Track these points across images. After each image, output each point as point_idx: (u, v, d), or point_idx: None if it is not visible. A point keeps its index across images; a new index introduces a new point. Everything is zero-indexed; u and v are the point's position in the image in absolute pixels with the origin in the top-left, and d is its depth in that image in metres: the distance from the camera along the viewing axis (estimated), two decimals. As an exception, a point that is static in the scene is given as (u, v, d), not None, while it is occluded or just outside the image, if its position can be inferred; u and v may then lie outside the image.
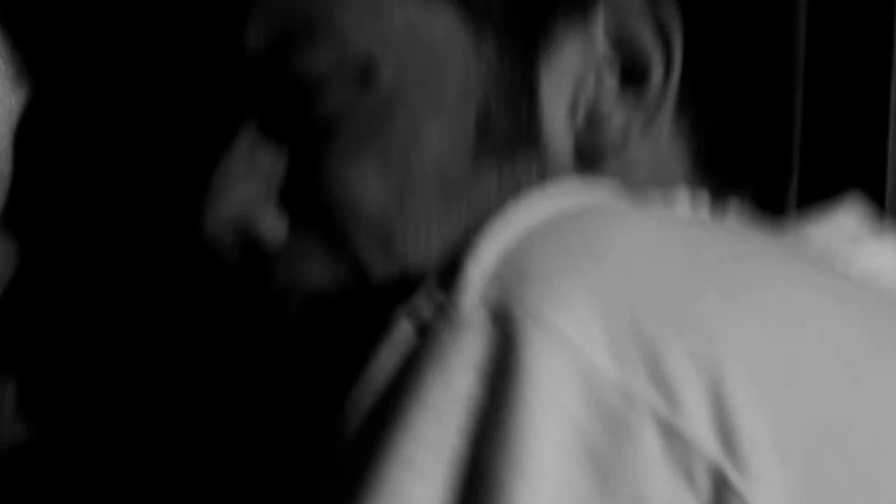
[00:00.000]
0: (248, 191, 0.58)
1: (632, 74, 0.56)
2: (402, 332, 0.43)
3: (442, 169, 0.56)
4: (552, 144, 0.56)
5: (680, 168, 0.58)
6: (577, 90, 0.56)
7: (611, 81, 0.56)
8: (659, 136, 0.57)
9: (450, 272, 0.43)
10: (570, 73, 0.56)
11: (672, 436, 0.38)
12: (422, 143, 0.55)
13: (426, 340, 0.42)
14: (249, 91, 0.59)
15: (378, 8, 0.56)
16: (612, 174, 0.56)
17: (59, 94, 0.77)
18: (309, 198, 0.57)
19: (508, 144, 0.56)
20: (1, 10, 0.75)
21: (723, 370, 0.39)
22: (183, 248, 0.63)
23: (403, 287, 0.54)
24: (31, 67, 0.75)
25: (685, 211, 0.53)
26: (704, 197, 0.58)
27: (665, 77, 0.55)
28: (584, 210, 0.45)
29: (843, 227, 0.56)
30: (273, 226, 0.58)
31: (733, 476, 0.38)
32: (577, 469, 0.39)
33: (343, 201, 0.56)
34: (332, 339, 0.58)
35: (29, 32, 0.76)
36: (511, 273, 0.42)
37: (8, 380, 0.77)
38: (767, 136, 0.61)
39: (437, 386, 0.40)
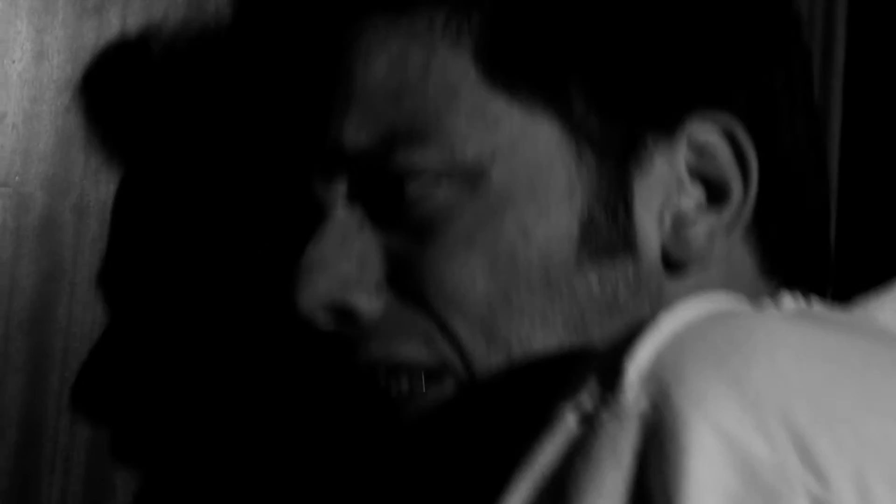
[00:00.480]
0: (343, 271, 0.61)
1: (714, 191, 0.61)
2: (566, 424, 0.46)
3: (547, 266, 0.59)
4: (644, 249, 0.60)
5: (748, 275, 0.63)
6: (665, 201, 0.61)
7: (695, 195, 0.61)
8: (732, 251, 0.62)
9: (609, 371, 0.47)
10: (660, 186, 0.61)
11: None
12: (530, 240, 0.59)
13: (593, 431, 0.45)
14: (339, 183, 0.62)
15: (486, 116, 0.59)
16: (693, 279, 0.61)
17: (161, 166, 0.81)
18: (411, 284, 0.60)
19: (607, 246, 0.60)
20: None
21: (866, 463, 0.43)
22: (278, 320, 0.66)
23: (510, 375, 0.59)
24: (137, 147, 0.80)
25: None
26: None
27: (744, 195, 0.60)
28: (721, 315, 0.49)
29: None
30: (368, 303, 0.61)
31: None
32: None
33: (450, 293, 0.59)
34: (438, 424, 0.61)
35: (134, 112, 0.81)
36: (667, 372, 0.45)
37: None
38: (815, 245, 0.66)
39: (610, 472, 0.44)
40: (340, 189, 0.62)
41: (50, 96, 0.79)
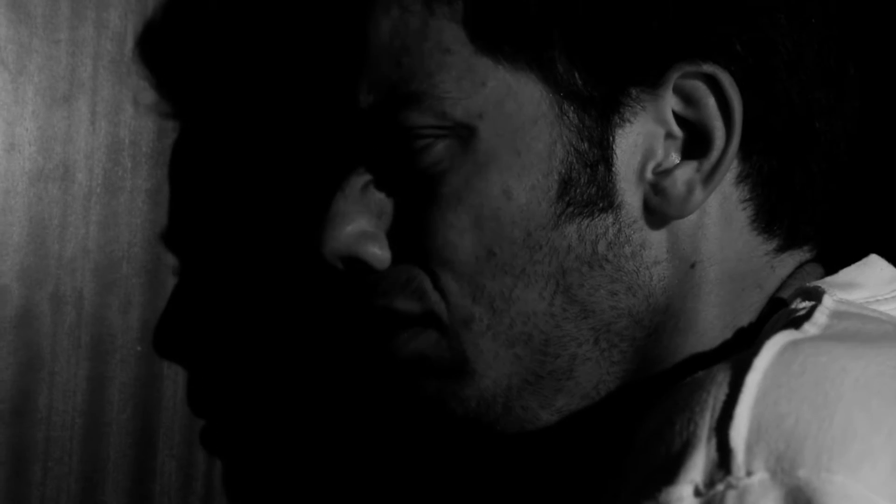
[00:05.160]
0: (360, 225, 0.66)
1: (698, 140, 0.62)
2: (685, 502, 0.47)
3: (528, 223, 0.62)
4: (626, 203, 0.62)
5: (741, 231, 0.64)
6: (648, 152, 0.62)
7: (678, 145, 0.63)
8: (724, 204, 0.63)
9: (717, 444, 0.47)
10: (644, 138, 0.62)
11: None
12: (511, 199, 0.62)
13: None
14: (361, 141, 0.66)
15: (474, 76, 0.62)
16: (681, 232, 0.63)
17: (206, 126, 0.84)
18: (409, 239, 0.65)
19: (586, 202, 0.62)
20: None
21: None
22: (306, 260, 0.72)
23: (495, 328, 0.63)
24: (177, 108, 0.83)
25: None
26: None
27: (726, 144, 0.61)
28: (795, 357, 0.49)
29: None
30: (379, 254, 0.66)
31: None
32: None
33: (440, 249, 0.63)
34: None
35: (176, 79, 0.83)
36: (775, 439, 0.46)
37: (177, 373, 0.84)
38: (821, 204, 0.66)
39: None
40: (362, 147, 0.66)
41: (23, 188, 0.79)
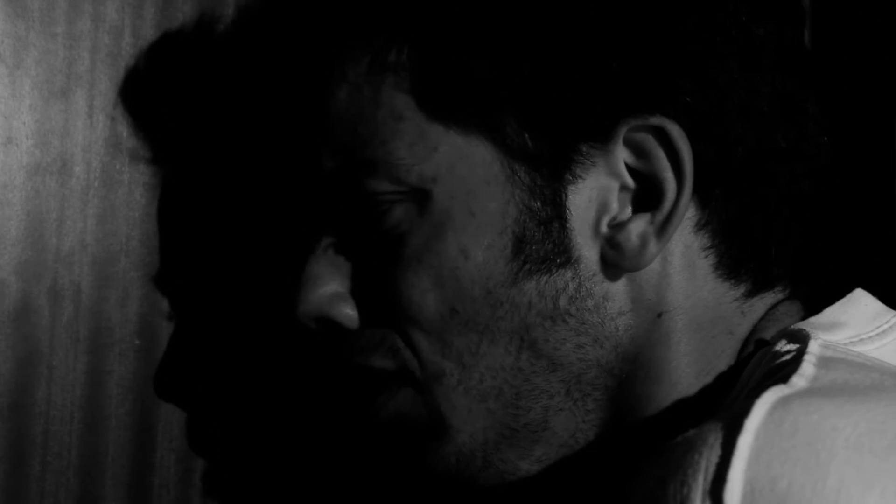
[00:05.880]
0: (331, 287, 0.67)
1: (651, 192, 0.62)
2: None
3: (487, 281, 0.62)
4: (583, 258, 0.63)
5: (705, 278, 0.64)
6: (602, 207, 0.63)
7: (631, 197, 0.63)
8: (686, 252, 0.64)
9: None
10: (597, 192, 0.63)
11: None
12: (469, 258, 0.63)
13: None
14: (326, 205, 0.68)
15: (426, 142, 0.63)
16: (644, 283, 0.63)
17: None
18: (376, 299, 0.66)
19: (542, 259, 0.63)
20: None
21: None
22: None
23: (463, 381, 0.64)
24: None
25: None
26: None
27: (677, 195, 0.61)
28: (787, 417, 0.49)
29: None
30: (350, 315, 0.67)
31: None
32: None
33: (405, 307, 0.64)
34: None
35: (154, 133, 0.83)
36: (767, 500, 0.47)
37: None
38: (786, 248, 0.66)
39: None
40: (329, 209, 0.68)
41: (20, 181, 0.79)
